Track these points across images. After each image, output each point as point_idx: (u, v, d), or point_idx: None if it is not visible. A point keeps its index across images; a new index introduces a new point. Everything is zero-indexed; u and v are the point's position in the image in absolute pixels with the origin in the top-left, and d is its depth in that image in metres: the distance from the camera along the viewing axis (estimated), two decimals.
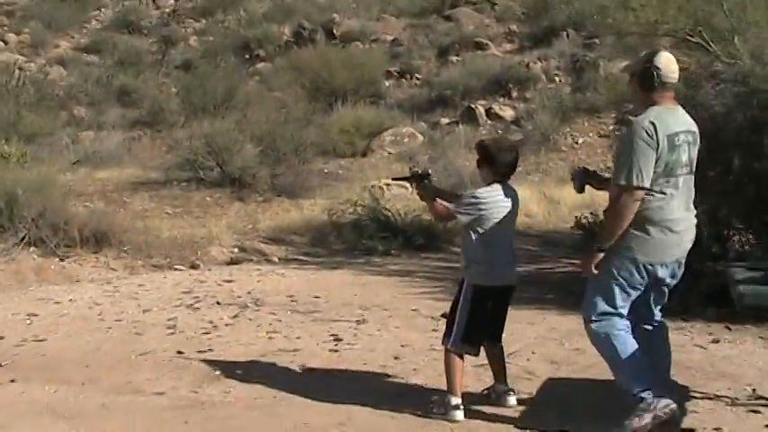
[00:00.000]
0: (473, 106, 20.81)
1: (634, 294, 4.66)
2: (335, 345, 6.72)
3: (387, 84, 24.06)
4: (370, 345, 6.72)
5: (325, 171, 17.20)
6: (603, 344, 4.67)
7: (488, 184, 5.04)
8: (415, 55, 25.27)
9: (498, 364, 5.31)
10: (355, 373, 6.00)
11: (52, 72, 30.84)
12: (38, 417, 5.15)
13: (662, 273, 4.61)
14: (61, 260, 10.71)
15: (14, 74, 25.03)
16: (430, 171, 5.45)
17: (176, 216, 13.50)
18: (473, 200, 4.99)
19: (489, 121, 20.63)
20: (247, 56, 31.59)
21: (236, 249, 11.89)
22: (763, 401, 5.14)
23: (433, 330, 7.11)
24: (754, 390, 5.42)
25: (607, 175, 5.03)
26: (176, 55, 33.92)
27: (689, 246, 4.67)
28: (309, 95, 21.42)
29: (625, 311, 4.70)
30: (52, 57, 32.98)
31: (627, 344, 4.64)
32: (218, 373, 5.93)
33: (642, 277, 4.59)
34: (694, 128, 4.60)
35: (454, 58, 24.57)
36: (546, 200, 14.78)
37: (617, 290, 4.62)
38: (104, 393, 5.58)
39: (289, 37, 31.04)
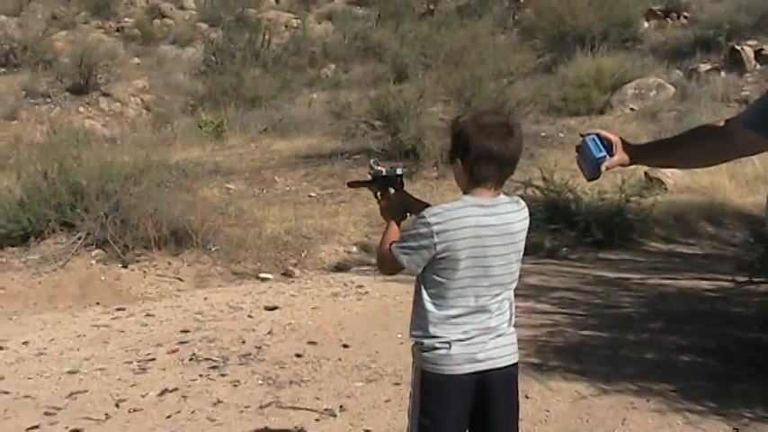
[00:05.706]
0: (738, 48, 16.26)
1: None
2: None
3: (646, 25, 19.83)
4: None
5: (542, 135, 13.96)
6: None
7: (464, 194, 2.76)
8: None
9: None
10: None
11: (319, 29, 29.91)
12: None
13: None
14: (124, 267, 8.75)
15: (260, 34, 24.13)
16: (400, 170, 3.15)
17: (317, 201, 11.15)
18: (421, 227, 2.71)
19: (758, 66, 15.92)
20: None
21: (355, 248, 9.33)
22: None
23: None
24: None
25: None
26: (450, 2, 31.69)
27: None
28: (550, 43, 18.05)
29: None
30: (322, 12, 31.90)
31: None
32: None
33: None
34: None
35: None
36: None
37: None
38: None
39: None
